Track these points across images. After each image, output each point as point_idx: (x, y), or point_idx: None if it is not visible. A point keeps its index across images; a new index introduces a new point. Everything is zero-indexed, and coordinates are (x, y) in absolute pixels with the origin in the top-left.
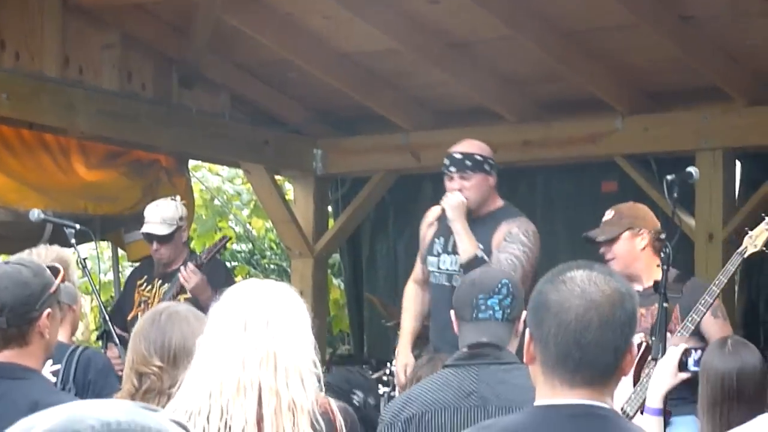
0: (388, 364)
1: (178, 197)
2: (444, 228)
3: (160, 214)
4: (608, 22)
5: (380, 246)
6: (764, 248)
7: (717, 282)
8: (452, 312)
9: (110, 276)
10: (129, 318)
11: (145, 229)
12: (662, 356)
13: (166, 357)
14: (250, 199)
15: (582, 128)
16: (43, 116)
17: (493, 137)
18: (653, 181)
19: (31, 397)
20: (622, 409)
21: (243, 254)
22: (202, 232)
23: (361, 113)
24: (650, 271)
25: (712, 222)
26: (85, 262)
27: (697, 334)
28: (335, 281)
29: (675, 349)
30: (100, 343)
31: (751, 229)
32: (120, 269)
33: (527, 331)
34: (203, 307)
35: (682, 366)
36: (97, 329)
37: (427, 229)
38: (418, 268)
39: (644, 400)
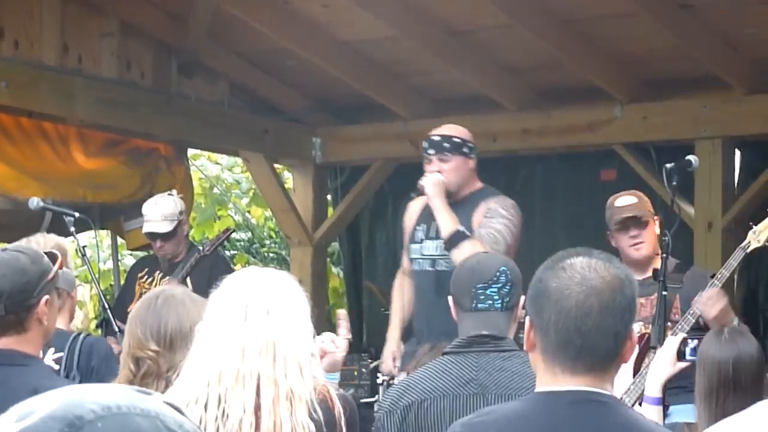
0: None
1: (174, 191)
2: (425, 216)
3: (161, 212)
4: (608, 11)
5: (379, 234)
6: (767, 244)
7: (719, 276)
8: (450, 298)
9: (109, 264)
10: (129, 310)
11: (148, 228)
12: (661, 345)
13: (163, 341)
14: (249, 187)
15: (581, 117)
16: (42, 104)
17: (493, 125)
18: (652, 170)
19: (30, 384)
20: (621, 399)
21: (242, 243)
22: (202, 221)
23: (360, 102)
24: (653, 261)
25: (711, 210)
26: (84, 250)
27: (699, 327)
28: (334, 270)
29: (674, 338)
30: (99, 331)
31: (756, 224)
32: (119, 258)
33: (527, 318)
34: None
35: (681, 355)
36: (96, 318)
37: (409, 220)
38: (405, 259)
39: (643, 391)
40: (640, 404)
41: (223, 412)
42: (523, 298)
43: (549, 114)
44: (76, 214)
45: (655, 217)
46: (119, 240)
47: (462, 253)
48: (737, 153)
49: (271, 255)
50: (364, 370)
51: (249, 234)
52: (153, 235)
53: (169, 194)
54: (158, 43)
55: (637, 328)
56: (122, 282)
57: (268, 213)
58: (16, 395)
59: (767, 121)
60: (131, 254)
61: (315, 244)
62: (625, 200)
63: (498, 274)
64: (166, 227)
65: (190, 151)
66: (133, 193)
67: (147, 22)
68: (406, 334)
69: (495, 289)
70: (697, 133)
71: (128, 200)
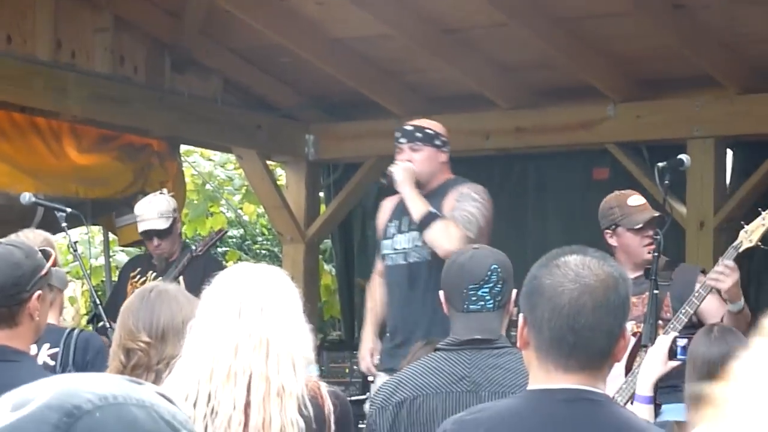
0: None
1: (165, 190)
2: (398, 212)
3: (156, 209)
4: (601, 10)
5: (372, 232)
6: (759, 243)
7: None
8: (441, 293)
9: (101, 260)
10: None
11: (145, 226)
12: (652, 344)
13: (154, 333)
14: (241, 184)
15: (575, 115)
16: (35, 100)
17: (486, 123)
18: (645, 169)
19: (21, 380)
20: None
21: (234, 240)
22: (194, 217)
23: (354, 99)
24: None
25: (703, 209)
26: (76, 245)
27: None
28: (327, 267)
29: (665, 337)
30: (90, 326)
31: (747, 223)
32: (111, 254)
33: (520, 315)
34: None
35: (672, 354)
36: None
37: (382, 217)
38: (378, 262)
39: (635, 389)
40: (631, 403)
41: (213, 409)
42: (515, 292)
43: (542, 112)
44: (68, 210)
45: None
46: (111, 236)
47: (434, 233)
48: (729, 152)
49: (263, 252)
50: (355, 367)
51: (241, 231)
52: (150, 233)
53: (160, 193)
54: (152, 39)
55: (629, 326)
56: (114, 278)
57: (261, 210)
58: (6, 391)
59: (760, 121)
60: (123, 250)
61: (307, 241)
62: (638, 199)
63: (489, 273)
64: (162, 224)
65: (183, 148)
66: (125, 188)
67: (141, 17)
68: (381, 334)
69: (486, 290)
70: (689, 132)
71: (120, 196)
